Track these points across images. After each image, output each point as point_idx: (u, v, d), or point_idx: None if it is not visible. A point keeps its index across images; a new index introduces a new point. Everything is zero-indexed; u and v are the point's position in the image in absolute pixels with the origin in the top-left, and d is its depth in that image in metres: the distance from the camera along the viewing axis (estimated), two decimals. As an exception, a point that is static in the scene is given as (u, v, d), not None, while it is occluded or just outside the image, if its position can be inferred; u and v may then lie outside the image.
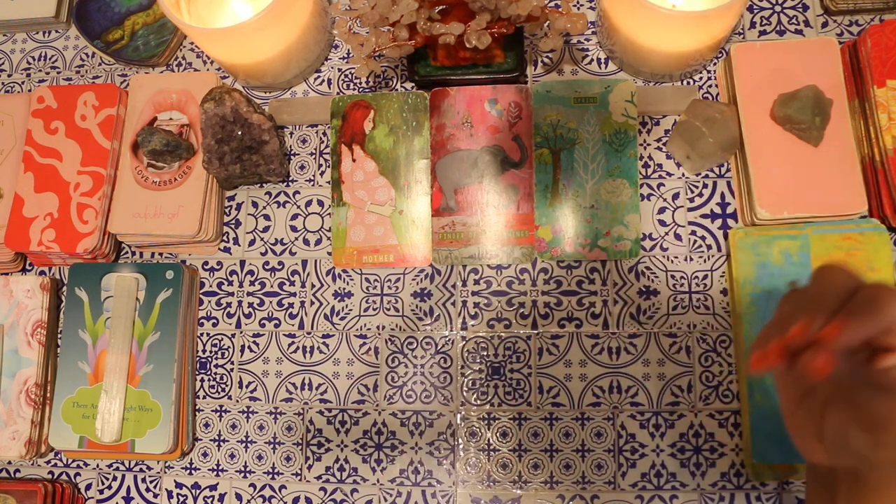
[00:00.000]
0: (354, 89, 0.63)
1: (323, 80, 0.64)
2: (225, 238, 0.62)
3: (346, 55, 0.64)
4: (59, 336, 0.61)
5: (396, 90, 0.62)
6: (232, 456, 0.58)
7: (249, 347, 0.59)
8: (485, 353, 0.57)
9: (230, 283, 0.61)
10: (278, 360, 0.59)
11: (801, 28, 0.60)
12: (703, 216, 0.57)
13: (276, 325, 0.59)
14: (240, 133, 0.57)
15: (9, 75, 0.69)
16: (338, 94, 0.63)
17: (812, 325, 0.34)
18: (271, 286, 0.60)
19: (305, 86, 0.64)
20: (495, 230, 0.57)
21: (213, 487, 0.57)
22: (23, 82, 0.69)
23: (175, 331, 0.57)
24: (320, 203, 0.61)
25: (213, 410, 0.59)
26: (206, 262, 0.62)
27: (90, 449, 0.56)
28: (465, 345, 0.57)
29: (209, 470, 0.58)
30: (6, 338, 0.59)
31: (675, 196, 0.57)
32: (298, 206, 0.61)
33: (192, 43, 0.67)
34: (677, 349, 0.55)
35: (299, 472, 0.57)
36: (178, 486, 0.58)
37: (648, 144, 0.59)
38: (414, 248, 0.58)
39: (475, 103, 0.59)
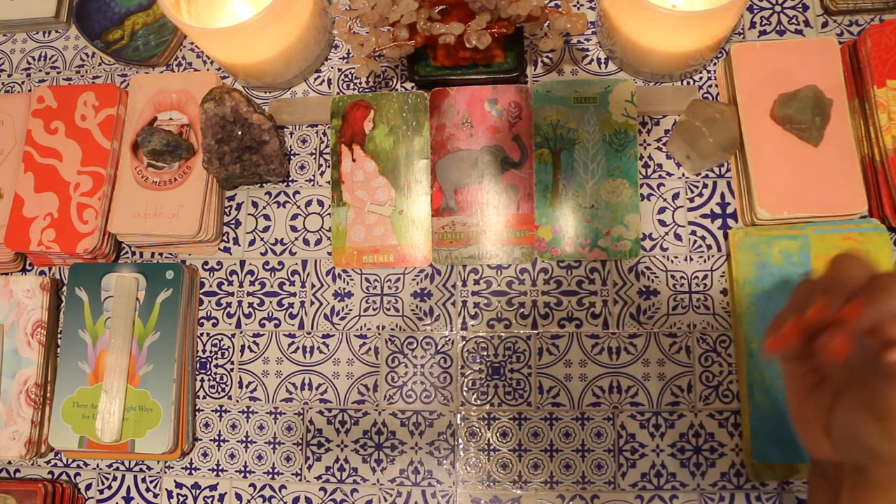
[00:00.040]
0: (354, 89, 0.63)
1: (323, 80, 0.64)
2: (225, 238, 0.62)
3: (346, 55, 0.64)
4: (59, 336, 0.61)
5: (396, 90, 0.62)
6: (232, 456, 0.58)
7: (249, 347, 0.59)
8: (485, 353, 0.57)
9: (230, 283, 0.61)
10: (278, 360, 0.59)
11: (801, 28, 0.60)
12: (703, 216, 0.57)
13: (276, 325, 0.59)
14: (240, 133, 0.57)
15: (9, 75, 0.69)
16: (338, 94, 0.63)
17: (831, 305, 0.34)
18: (271, 286, 0.60)
19: (305, 86, 0.64)
20: (495, 230, 0.57)
21: (213, 487, 0.57)
22: (23, 82, 0.69)
23: (175, 331, 0.57)
24: (320, 203, 0.61)
25: (213, 410, 0.59)
26: (206, 262, 0.62)
27: (90, 449, 0.56)
28: (465, 345, 0.57)
29: (209, 470, 0.58)
30: (6, 338, 0.59)
31: (675, 196, 0.57)
32: (298, 206, 0.61)
33: (192, 43, 0.67)
34: (677, 349, 0.55)
35: (299, 472, 0.57)
36: (178, 486, 0.58)
37: (648, 144, 0.59)
38: (414, 248, 0.58)
39: (475, 103, 0.59)
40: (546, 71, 0.61)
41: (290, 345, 0.59)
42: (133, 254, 0.63)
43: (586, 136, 0.57)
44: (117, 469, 0.59)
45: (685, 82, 0.59)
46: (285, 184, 0.62)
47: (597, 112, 0.57)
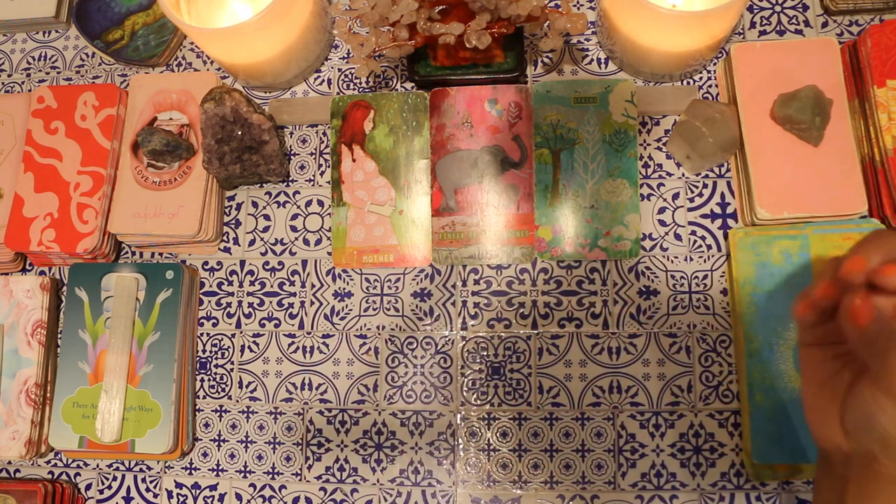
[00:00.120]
0: (354, 89, 0.63)
1: (323, 80, 0.64)
2: (225, 238, 0.62)
3: (346, 55, 0.64)
4: (59, 336, 0.61)
5: (396, 90, 0.62)
6: (232, 456, 0.58)
7: (249, 347, 0.59)
8: (485, 353, 0.57)
9: (230, 283, 0.61)
10: (278, 360, 0.59)
11: (801, 28, 0.60)
12: (703, 216, 0.57)
13: (276, 325, 0.59)
14: (240, 133, 0.57)
15: (9, 75, 0.69)
16: (338, 94, 0.63)
17: (868, 261, 0.34)
18: (271, 286, 0.60)
19: (305, 86, 0.64)
20: (495, 230, 0.57)
21: (213, 487, 0.57)
22: (23, 82, 0.69)
23: (175, 331, 0.57)
24: (320, 203, 0.61)
25: (213, 410, 0.59)
26: (206, 262, 0.62)
27: (90, 449, 0.56)
28: (465, 345, 0.57)
29: (209, 470, 0.58)
30: (6, 338, 0.59)
31: (675, 196, 0.57)
32: (298, 206, 0.61)
33: (192, 43, 0.67)
34: (677, 349, 0.55)
35: (299, 472, 0.57)
36: (178, 486, 0.58)
37: (648, 144, 0.59)
38: (414, 248, 0.58)
39: (475, 103, 0.59)
40: (546, 71, 0.61)
41: (290, 345, 0.59)
42: (133, 254, 0.63)
43: (586, 136, 0.57)
44: (117, 469, 0.59)
45: (685, 82, 0.59)
46: (285, 184, 0.62)
47: (597, 112, 0.57)
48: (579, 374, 0.55)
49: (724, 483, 0.53)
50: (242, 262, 0.61)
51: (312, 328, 0.59)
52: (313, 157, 0.62)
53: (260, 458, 0.57)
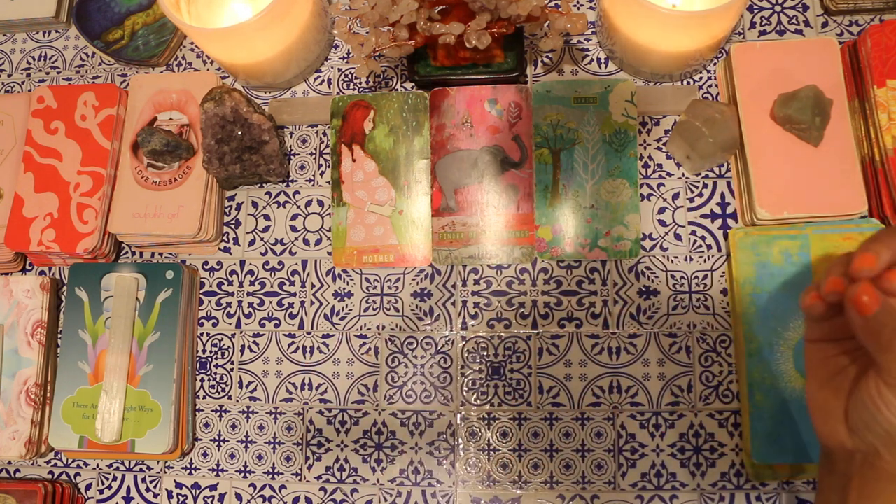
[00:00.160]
0: (354, 89, 0.63)
1: (323, 80, 0.64)
2: (225, 238, 0.62)
3: (346, 55, 0.64)
4: (59, 336, 0.61)
5: (396, 90, 0.62)
6: (232, 456, 0.58)
7: (249, 347, 0.59)
8: (485, 353, 0.57)
9: (230, 283, 0.61)
10: (278, 360, 0.59)
11: (801, 28, 0.60)
12: (703, 216, 0.57)
13: (276, 325, 0.59)
14: (240, 133, 0.57)
15: (9, 75, 0.69)
16: (338, 94, 0.63)
17: (878, 258, 0.35)
18: (271, 286, 0.60)
19: (305, 86, 0.64)
20: (495, 230, 0.57)
21: (213, 487, 0.57)
22: (23, 82, 0.69)
23: (175, 331, 0.57)
24: (320, 203, 0.61)
25: (213, 410, 0.59)
26: (206, 262, 0.62)
27: (90, 449, 0.56)
28: (465, 345, 0.57)
29: (209, 470, 0.58)
30: (6, 338, 0.59)
31: (675, 196, 0.57)
32: (298, 206, 0.61)
33: (192, 43, 0.67)
34: (677, 349, 0.55)
35: (299, 472, 0.57)
36: (178, 486, 0.58)
37: (648, 144, 0.59)
38: (414, 248, 0.58)
39: (475, 103, 0.59)
40: (546, 71, 0.61)
41: (290, 345, 0.59)
42: (133, 254, 0.63)
43: (586, 136, 0.57)
44: (117, 469, 0.59)
45: (685, 82, 0.59)
46: (285, 184, 0.62)
47: (597, 112, 0.57)
48: (579, 374, 0.55)
49: (724, 483, 0.53)
50: (242, 262, 0.61)
51: (312, 328, 0.59)
52: (313, 157, 0.62)
53: (260, 458, 0.57)
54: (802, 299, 0.39)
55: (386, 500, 0.55)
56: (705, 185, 0.57)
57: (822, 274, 0.39)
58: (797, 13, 0.60)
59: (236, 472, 0.57)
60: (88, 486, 0.59)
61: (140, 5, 0.66)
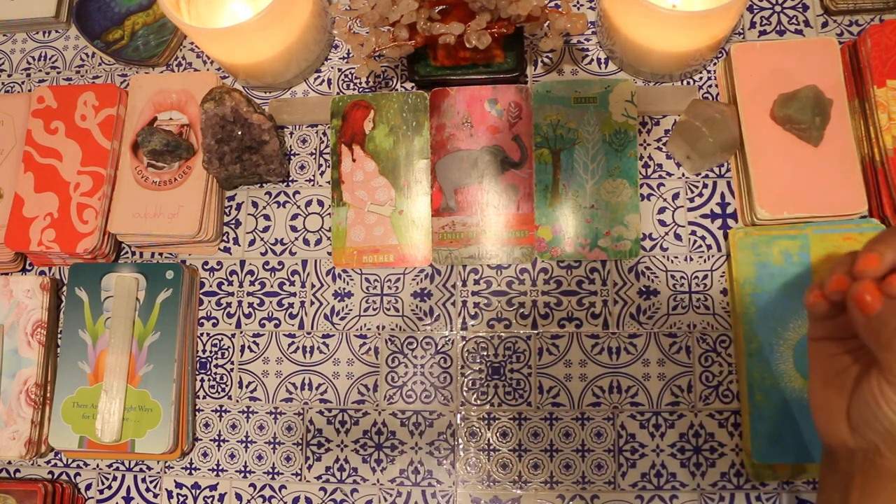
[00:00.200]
0: (354, 89, 0.63)
1: (323, 80, 0.64)
2: (225, 238, 0.62)
3: (346, 55, 0.64)
4: (59, 336, 0.61)
5: (396, 90, 0.62)
6: (232, 456, 0.58)
7: (249, 347, 0.59)
8: (485, 353, 0.57)
9: (230, 283, 0.61)
10: (278, 360, 0.59)
11: (801, 28, 0.60)
12: (703, 216, 0.57)
13: (276, 325, 0.59)
14: (240, 133, 0.57)
15: (9, 75, 0.69)
16: (338, 94, 0.63)
17: (882, 259, 0.35)
18: (271, 286, 0.60)
19: (305, 86, 0.64)
20: (495, 230, 0.57)
21: (213, 487, 0.57)
22: (23, 82, 0.69)
23: (175, 331, 0.57)
24: (320, 203, 0.61)
25: (213, 410, 0.59)
26: (206, 262, 0.62)
27: (90, 449, 0.56)
28: (465, 345, 0.57)
29: (209, 470, 0.58)
30: (6, 338, 0.59)
31: (675, 196, 0.57)
32: (298, 206, 0.61)
33: (192, 43, 0.67)
34: (677, 349, 0.55)
35: (299, 472, 0.57)
36: (178, 486, 0.58)
37: (648, 144, 0.59)
38: (414, 248, 0.58)
39: (475, 103, 0.59)
40: (546, 71, 0.61)
41: (290, 345, 0.59)
42: (133, 254, 0.63)
43: (586, 136, 0.57)
44: (117, 469, 0.59)
45: (685, 82, 0.59)
46: (285, 184, 0.62)
47: (597, 112, 0.57)
48: (579, 374, 0.55)
49: (724, 483, 0.53)
50: (242, 262, 0.61)
51: (312, 328, 0.59)
52: (313, 157, 0.62)
53: (260, 458, 0.57)
54: (806, 297, 0.39)
55: (386, 500, 0.55)
56: (705, 185, 0.57)
57: (826, 273, 0.39)
58: (797, 13, 0.60)
59: (236, 472, 0.57)
60: (88, 486, 0.59)
61: (140, 5, 0.66)
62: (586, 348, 0.56)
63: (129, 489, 0.58)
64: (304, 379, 0.58)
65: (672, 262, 0.56)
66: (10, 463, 0.60)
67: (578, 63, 0.61)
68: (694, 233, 0.57)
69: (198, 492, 0.57)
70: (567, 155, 0.57)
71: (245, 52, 0.57)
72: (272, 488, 0.57)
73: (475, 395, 0.56)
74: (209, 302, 0.61)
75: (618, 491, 0.53)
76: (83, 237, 0.58)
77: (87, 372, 0.57)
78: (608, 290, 0.56)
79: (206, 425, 0.59)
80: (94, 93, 0.62)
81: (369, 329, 0.58)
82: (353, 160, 0.60)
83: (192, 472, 0.58)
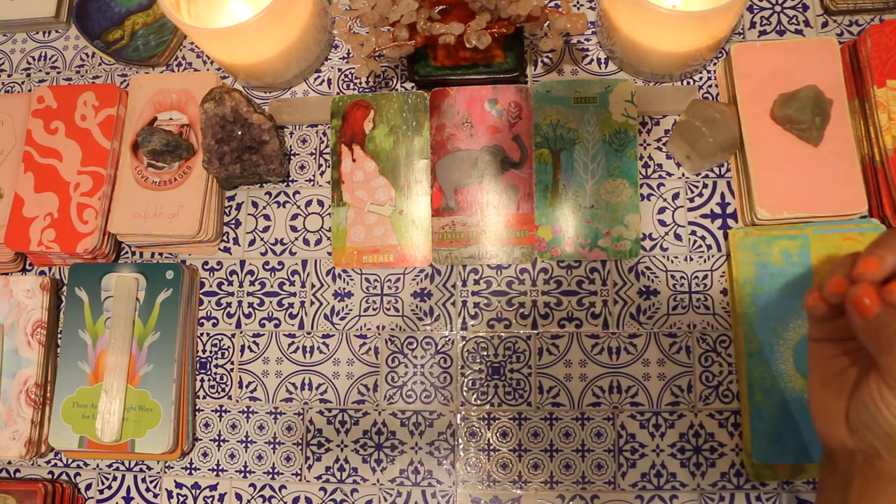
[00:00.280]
0: (354, 89, 0.63)
1: (323, 80, 0.64)
2: (225, 238, 0.62)
3: (346, 55, 0.64)
4: (59, 336, 0.61)
5: (396, 90, 0.62)
6: (232, 456, 0.58)
7: (249, 347, 0.59)
8: (485, 353, 0.57)
9: (230, 283, 0.61)
10: (278, 360, 0.59)
11: (801, 28, 0.60)
12: (703, 216, 0.57)
13: (276, 325, 0.59)
14: (240, 133, 0.57)
15: (9, 75, 0.69)
16: (338, 94, 0.63)
17: (882, 263, 0.35)
18: (271, 286, 0.60)
19: (305, 86, 0.64)
20: (495, 230, 0.57)
21: (213, 487, 0.57)
22: (23, 82, 0.69)
23: (175, 331, 0.57)
24: (320, 203, 0.61)
25: (213, 410, 0.59)
26: (206, 262, 0.62)
27: (90, 449, 0.56)
28: (465, 345, 0.57)
29: (209, 470, 0.58)
30: (6, 338, 0.59)
31: (675, 196, 0.57)
32: (298, 206, 0.61)
33: (192, 43, 0.67)
34: (677, 349, 0.55)
35: (299, 472, 0.57)
36: (178, 486, 0.58)
37: (648, 144, 0.59)
38: (414, 248, 0.58)
39: (475, 103, 0.59)
40: (546, 71, 0.61)
41: (290, 345, 0.59)
42: (133, 254, 0.63)
43: (586, 136, 0.57)
44: (117, 469, 0.59)
45: (685, 82, 0.59)
46: (285, 184, 0.62)
47: (597, 112, 0.57)
48: (579, 374, 0.55)
49: (724, 483, 0.53)
50: (242, 262, 0.61)
51: (312, 328, 0.59)
52: (313, 157, 0.62)
53: (260, 458, 0.57)
54: (805, 300, 0.39)
55: (386, 500, 0.55)
56: (705, 185, 0.57)
57: (826, 274, 0.39)
58: (797, 13, 0.60)
59: (236, 472, 0.57)
60: (88, 486, 0.59)
61: (140, 5, 0.66)
62: (586, 348, 0.56)
63: (129, 489, 0.58)
64: (304, 379, 0.58)
65: (672, 262, 0.56)
66: (10, 463, 0.60)
67: (578, 63, 0.61)
68: (694, 233, 0.57)
69: (198, 492, 0.57)
70: (567, 155, 0.57)
71: (245, 52, 0.57)
72: (272, 488, 0.57)
73: (475, 395, 0.56)
74: (209, 302, 0.61)
75: (618, 491, 0.53)
76: (83, 237, 0.58)
77: (87, 372, 0.57)
78: (608, 290, 0.56)
79: (206, 425, 0.59)
80: (94, 93, 0.62)
81: (369, 329, 0.58)
82: (353, 160, 0.60)
83: (192, 472, 0.58)
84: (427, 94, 0.60)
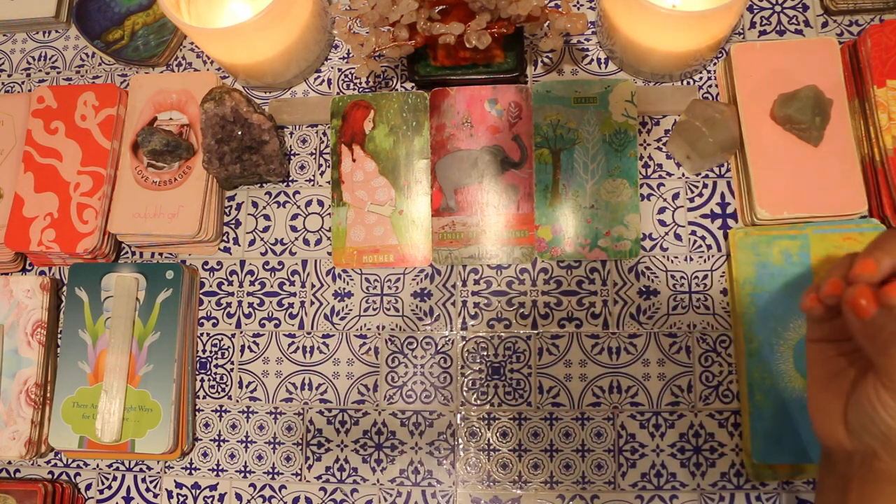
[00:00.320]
0: (354, 89, 0.63)
1: (323, 80, 0.64)
2: (225, 238, 0.62)
3: (346, 55, 0.64)
4: (59, 336, 0.61)
5: (396, 90, 0.62)
6: (232, 456, 0.58)
7: (249, 347, 0.59)
8: (485, 353, 0.57)
9: (230, 283, 0.61)
10: (278, 360, 0.59)
11: (801, 28, 0.60)
12: (703, 216, 0.57)
13: (276, 325, 0.59)
14: (240, 133, 0.57)
15: (9, 75, 0.69)
16: (338, 94, 0.63)
17: (880, 263, 0.35)
18: (271, 286, 0.60)
19: (305, 86, 0.64)
20: (495, 230, 0.57)
21: (213, 487, 0.57)
22: (23, 82, 0.69)
23: (175, 331, 0.57)
24: (320, 203, 0.61)
25: (213, 410, 0.59)
26: (206, 262, 0.62)
27: (90, 449, 0.56)
28: (465, 345, 0.57)
29: (209, 470, 0.58)
30: (6, 338, 0.59)
31: (675, 196, 0.57)
32: (298, 206, 0.61)
33: (192, 43, 0.67)
34: (677, 349, 0.55)
35: (299, 472, 0.57)
36: (178, 486, 0.58)
37: (648, 144, 0.59)
38: (414, 248, 0.58)
39: (475, 103, 0.59)
40: (546, 71, 0.61)
41: (290, 345, 0.59)
42: (133, 254, 0.63)
43: (586, 136, 0.57)
44: (117, 469, 0.59)
45: (685, 82, 0.59)
46: (285, 184, 0.62)
47: (597, 112, 0.57)
48: (579, 374, 0.55)
49: (724, 483, 0.53)
50: (242, 262, 0.61)
51: (312, 328, 0.59)
52: (313, 157, 0.62)
53: (260, 458, 0.57)
54: (802, 301, 0.39)
55: (386, 500, 0.55)
56: (705, 185, 0.57)
57: (823, 275, 0.39)
58: (797, 13, 0.60)
59: (236, 472, 0.57)
60: (88, 486, 0.59)
61: (140, 5, 0.66)
62: (586, 348, 0.56)
63: (129, 489, 0.58)
64: (304, 379, 0.58)
65: (672, 262, 0.56)
66: (10, 463, 0.60)
67: (578, 63, 0.61)
68: (694, 233, 0.57)
69: (198, 492, 0.57)
70: (567, 155, 0.57)
71: (245, 52, 0.57)
72: (272, 488, 0.57)
73: (475, 395, 0.56)
74: (209, 302, 0.61)
75: (618, 491, 0.53)
76: (83, 237, 0.58)
77: (87, 372, 0.57)
78: (608, 290, 0.56)
79: (206, 425, 0.59)
80: (94, 93, 0.62)
81: (369, 329, 0.58)
82: (353, 160, 0.60)
83: (192, 472, 0.58)
84: (427, 94, 0.60)
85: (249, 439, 0.58)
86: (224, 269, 0.61)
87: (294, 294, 0.60)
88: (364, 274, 0.59)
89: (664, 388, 0.54)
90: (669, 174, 0.58)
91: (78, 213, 0.59)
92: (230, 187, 0.62)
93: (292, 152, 0.62)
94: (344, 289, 0.59)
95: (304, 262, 0.60)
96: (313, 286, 0.59)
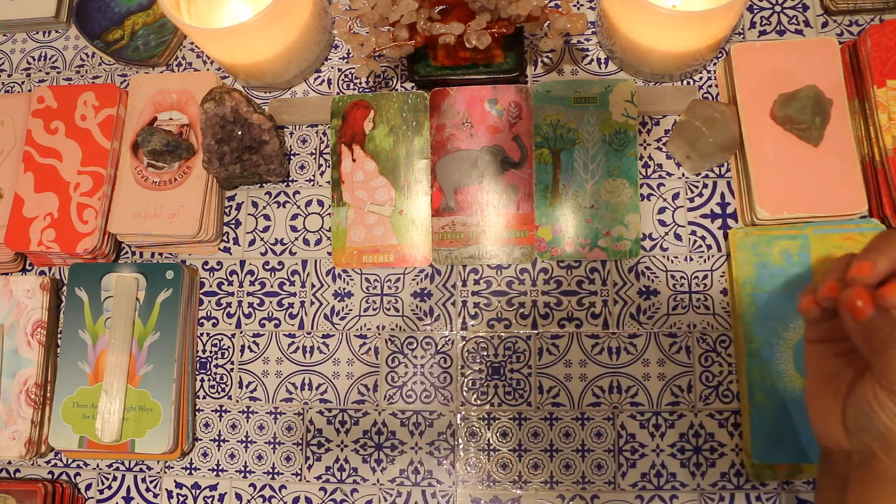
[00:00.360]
0: (354, 89, 0.63)
1: (323, 80, 0.64)
2: (225, 238, 0.62)
3: (346, 55, 0.64)
4: (59, 336, 0.61)
5: (396, 90, 0.62)
6: (232, 456, 0.58)
7: (249, 347, 0.59)
8: (485, 353, 0.57)
9: (230, 283, 0.61)
10: (278, 360, 0.59)
11: (801, 28, 0.60)
12: (703, 216, 0.57)
13: (276, 325, 0.59)
14: (240, 133, 0.57)
15: (9, 75, 0.69)
16: (338, 94, 0.63)
17: (877, 265, 0.35)
18: (271, 286, 0.60)
19: (305, 86, 0.64)
20: (495, 230, 0.57)
21: (213, 487, 0.57)
22: (23, 82, 0.69)
23: (175, 331, 0.57)
24: (320, 203, 0.61)
25: (213, 410, 0.59)
26: (206, 262, 0.62)
27: (90, 449, 0.56)
28: (465, 345, 0.57)
29: (209, 470, 0.58)
30: (6, 338, 0.59)
31: (675, 196, 0.57)
32: (298, 206, 0.61)
33: (192, 43, 0.67)
34: (677, 349, 0.55)
35: (299, 472, 0.57)
36: (178, 486, 0.58)
37: (648, 144, 0.59)
38: (414, 248, 0.58)
39: (475, 103, 0.59)
40: (546, 71, 0.61)
41: (290, 345, 0.59)
42: (133, 254, 0.63)
43: (586, 136, 0.57)
44: (117, 469, 0.59)
45: (685, 82, 0.59)
46: (285, 184, 0.62)
47: (597, 112, 0.57)
48: (579, 374, 0.55)
49: (724, 483, 0.53)
50: (242, 262, 0.61)
51: (312, 328, 0.59)
52: (313, 157, 0.62)
53: (260, 458, 0.57)
54: (799, 302, 0.40)
55: (386, 500, 0.55)
56: (705, 185, 0.57)
57: (821, 276, 0.39)
58: (797, 13, 0.60)
59: (236, 472, 0.57)
60: (88, 486, 0.59)
61: (140, 5, 0.66)
62: (586, 348, 0.56)
63: (129, 489, 0.58)
64: (304, 379, 0.58)
65: (672, 262, 0.56)
66: (10, 463, 0.60)
67: (578, 63, 0.61)
68: (694, 233, 0.57)
69: (198, 492, 0.57)
70: (567, 155, 0.57)
71: (245, 52, 0.57)
72: (272, 488, 0.57)
73: (475, 395, 0.56)
74: (209, 302, 0.61)
75: (618, 491, 0.53)
76: (83, 237, 0.58)
77: (87, 372, 0.57)
78: (608, 290, 0.56)
79: (206, 425, 0.59)
80: (94, 93, 0.62)
81: (369, 329, 0.58)
82: (353, 160, 0.60)
83: (192, 472, 0.58)
84: (427, 94, 0.60)
85: (249, 439, 0.58)
86: (224, 269, 0.61)
87: (294, 294, 0.60)
88: (364, 274, 0.59)
89: (664, 388, 0.54)
90: (669, 174, 0.58)
91: (78, 213, 0.59)
92: (230, 187, 0.62)
93: (292, 152, 0.62)
94: (344, 289, 0.59)
95: (304, 262, 0.60)
96: (313, 286, 0.59)
